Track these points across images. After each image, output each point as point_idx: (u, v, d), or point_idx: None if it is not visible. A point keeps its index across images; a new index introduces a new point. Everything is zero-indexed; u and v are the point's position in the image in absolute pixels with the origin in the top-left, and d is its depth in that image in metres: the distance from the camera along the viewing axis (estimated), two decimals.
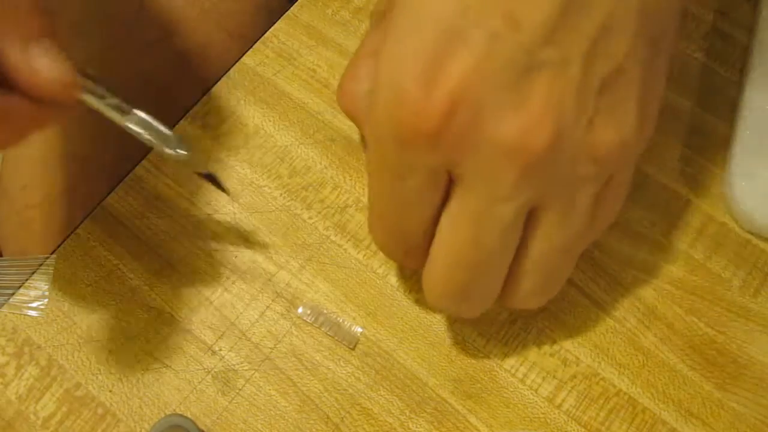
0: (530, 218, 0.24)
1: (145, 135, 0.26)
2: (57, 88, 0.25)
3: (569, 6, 0.21)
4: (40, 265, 0.32)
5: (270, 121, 0.35)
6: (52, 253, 0.33)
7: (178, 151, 0.27)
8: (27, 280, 0.32)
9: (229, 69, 0.36)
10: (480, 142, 0.22)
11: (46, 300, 0.32)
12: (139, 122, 0.26)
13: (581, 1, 0.21)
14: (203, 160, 0.28)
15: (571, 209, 0.24)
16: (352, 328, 0.31)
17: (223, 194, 0.33)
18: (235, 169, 0.34)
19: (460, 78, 0.21)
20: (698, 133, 0.35)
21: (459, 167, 0.23)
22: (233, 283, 0.32)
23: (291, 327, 0.31)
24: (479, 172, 0.23)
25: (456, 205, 0.24)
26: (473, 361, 0.31)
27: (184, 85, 0.38)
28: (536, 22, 0.21)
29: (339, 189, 0.34)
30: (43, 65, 0.24)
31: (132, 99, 0.38)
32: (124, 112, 0.26)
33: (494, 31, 0.21)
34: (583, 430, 0.30)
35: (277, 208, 0.33)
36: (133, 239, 0.33)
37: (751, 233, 0.33)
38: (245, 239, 0.33)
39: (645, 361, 0.31)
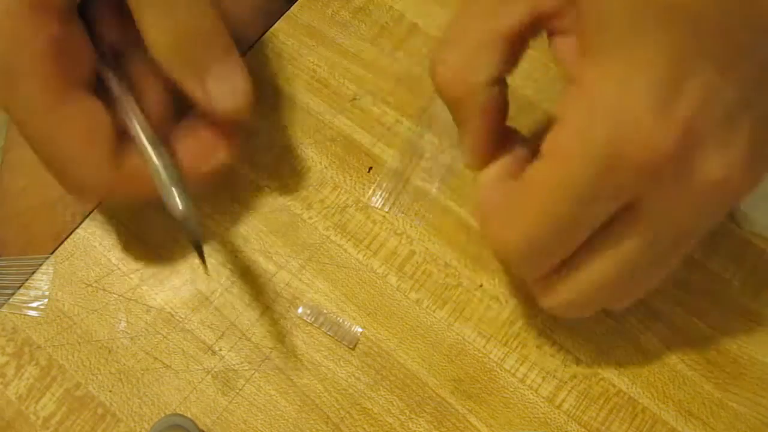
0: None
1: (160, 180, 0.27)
2: (231, 108, 0.27)
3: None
4: (40, 265, 0.32)
5: (270, 121, 0.35)
6: (52, 253, 0.33)
7: (178, 209, 0.27)
8: (27, 280, 0.32)
9: None
10: (685, 177, 0.22)
11: (46, 300, 0.32)
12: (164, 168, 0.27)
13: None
14: (198, 231, 0.28)
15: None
16: (352, 328, 0.31)
17: (223, 194, 0.33)
18: (235, 169, 0.34)
19: (693, 111, 0.21)
20: None
21: (650, 197, 0.23)
22: (233, 283, 0.32)
23: (291, 327, 0.31)
24: (669, 205, 0.23)
25: (628, 229, 0.24)
26: (473, 361, 0.31)
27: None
28: (752, 64, 0.21)
29: (339, 189, 0.34)
30: (219, 93, 0.27)
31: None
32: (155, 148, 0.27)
33: (722, 64, 0.21)
34: (583, 430, 0.30)
35: (277, 208, 0.33)
36: (133, 239, 0.33)
37: (751, 233, 0.33)
38: (245, 239, 0.33)
39: (645, 361, 0.31)
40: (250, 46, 0.36)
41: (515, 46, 0.26)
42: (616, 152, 0.22)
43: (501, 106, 0.28)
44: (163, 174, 0.27)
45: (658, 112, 0.21)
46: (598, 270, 0.25)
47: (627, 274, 0.25)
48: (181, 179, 0.27)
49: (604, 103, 0.22)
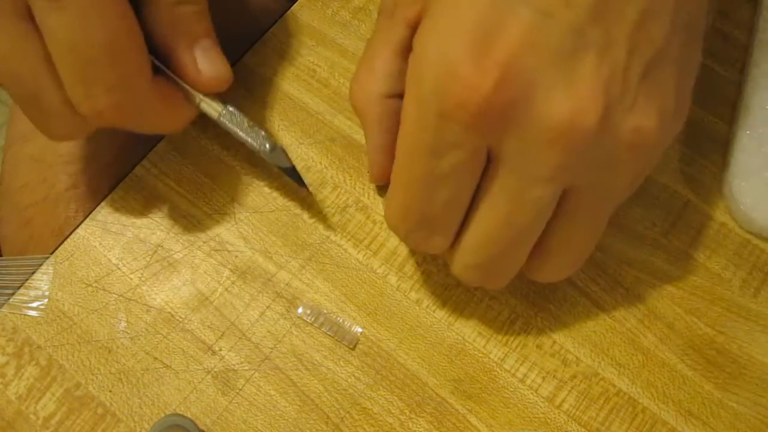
0: (563, 198, 0.24)
1: (239, 133, 0.31)
2: (215, 84, 0.30)
3: None
4: (40, 265, 0.32)
5: (270, 120, 0.35)
6: (52, 253, 0.33)
7: (265, 147, 0.30)
8: (27, 280, 0.32)
9: None
10: (527, 120, 0.22)
11: (46, 300, 0.32)
12: (232, 119, 0.30)
13: None
14: (285, 156, 0.31)
15: (604, 192, 0.24)
16: (352, 328, 0.31)
17: (223, 194, 0.33)
18: (235, 169, 0.34)
19: (512, 52, 0.21)
20: (698, 133, 0.35)
21: (501, 145, 0.23)
22: (233, 283, 0.32)
23: (291, 327, 0.31)
24: (523, 152, 0.23)
25: (494, 184, 0.24)
26: (473, 361, 0.31)
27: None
28: (584, 1, 0.21)
29: (339, 189, 0.34)
30: (205, 65, 0.29)
31: None
32: (218, 108, 0.31)
33: (544, 8, 0.21)
34: (583, 430, 0.30)
35: (277, 208, 0.33)
36: (133, 239, 0.33)
37: (751, 233, 0.33)
38: (245, 239, 0.33)
39: (645, 361, 0.31)
40: (250, 46, 0.36)
41: (405, 58, 0.28)
42: (443, 101, 0.22)
43: (394, 118, 0.29)
44: (245, 120, 0.30)
45: (475, 55, 0.21)
46: (482, 228, 0.25)
47: (513, 229, 0.25)
48: (252, 121, 0.31)
49: (427, 57, 0.23)
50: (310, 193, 0.33)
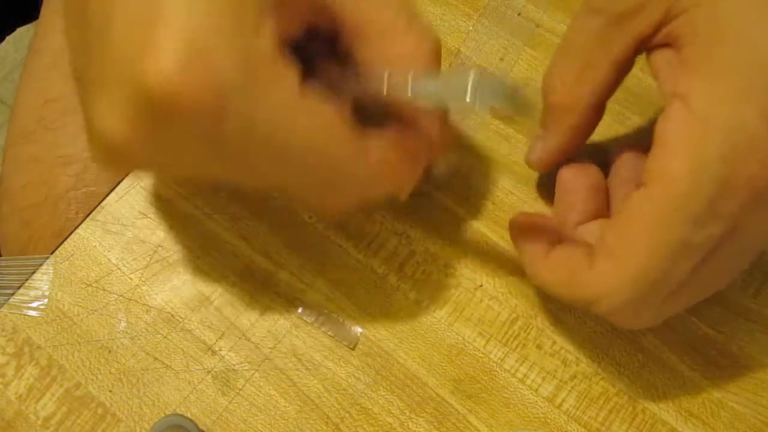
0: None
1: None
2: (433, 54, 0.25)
3: None
4: (40, 265, 0.32)
5: None
6: (52, 253, 0.33)
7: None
8: (27, 280, 0.32)
9: None
10: None
11: (46, 300, 0.32)
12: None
13: None
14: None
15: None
16: (352, 328, 0.31)
17: (223, 194, 0.33)
18: None
19: None
20: None
21: (753, 221, 0.22)
22: (233, 283, 0.32)
23: (291, 327, 0.31)
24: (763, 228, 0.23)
25: (724, 248, 0.23)
26: (473, 361, 0.31)
27: None
28: None
29: None
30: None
31: None
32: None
33: None
34: (583, 430, 0.30)
35: (277, 208, 0.33)
36: (133, 239, 0.33)
37: None
38: (245, 239, 0.33)
39: (645, 361, 0.31)
40: None
41: (621, 71, 0.27)
42: (731, 171, 0.21)
43: (592, 124, 0.28)
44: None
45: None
46: (693, 288, 0.25)
47: (712, 285, 0.25)
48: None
49: (717, 120, 0.21)
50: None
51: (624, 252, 0.24)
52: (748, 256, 0.25)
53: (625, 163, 0.29)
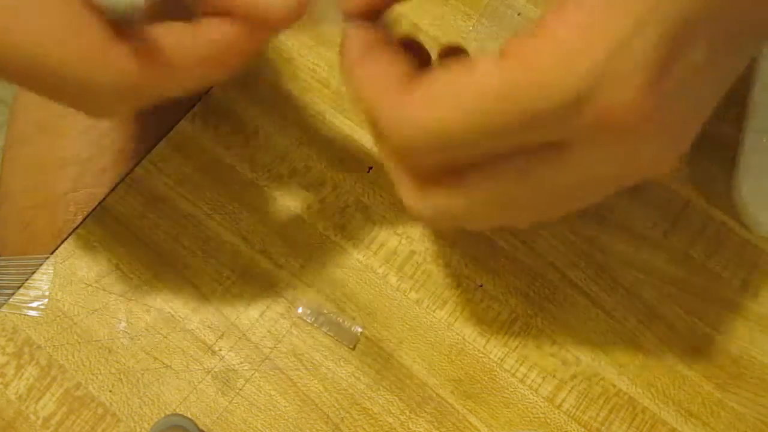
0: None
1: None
2: (284, 15, 0.24)
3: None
4: (40, 265, 0.32)
5: (270, 121, 0.35)
6: (52, 253, 0.33)
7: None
8: (27, 280, 0.32)
9: None
10: (628, 149, 0.21)
11: (46, 300, 0.32)
12: None
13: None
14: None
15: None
16: (352, 328, 0.31)
17: (223, 194, 0.33)
18: (235, 169, 0.34)
19: (671, 94, 0.20)
20: (699, 133, 0.35)
21: (587, 146, 0.21)
22: (233, 283, 0.32)
23: (291, 327, 0.31)
24: (599, 161, 0.21)
25: (547, 164, 0.22)
26: (473, 361, 0.31)
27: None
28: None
29: (339, 189, 0.34)
30: None
31: None
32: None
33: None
34: (583, 430, 0.30)
35: (277, 208, 0.33)
36: (133, 239, 0.33)
37: (760, 236, 0.33)
38: (245, 239, 0.33)
39: (645, 361, 0.31)
40: None
41: None
42: (590, 92, 0.19)
43: None
44: None
45: (653, 71, 0.19)
46: (498, 189, 0.22)
47: (526, 202, 0.23)
48: None
49: (606, 35, 0.19)
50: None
51: (446, 102, 0.21)
52: (570, 195, 0.23)
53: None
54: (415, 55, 0.26)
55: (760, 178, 0.32)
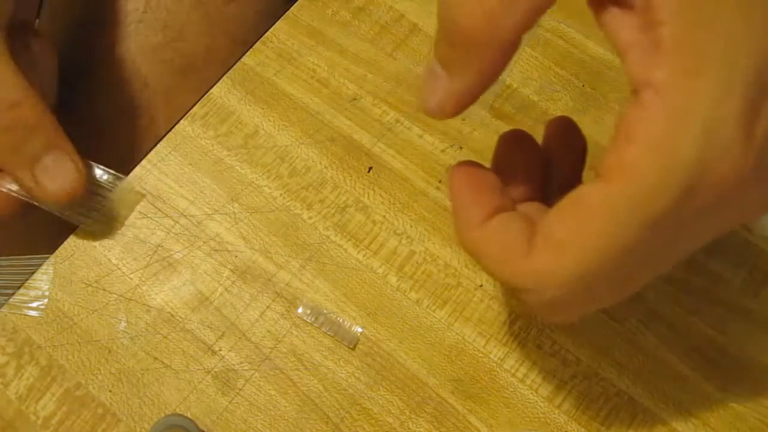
0: None
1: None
2: (62, 196, 0.29)
3: None
4: (40, 265, 0.32)
5: (270, 121, 0.35)
6: (52, 253, 0.33)
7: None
8: (27, 280, 0.32)
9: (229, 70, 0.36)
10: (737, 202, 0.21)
11: (46, 300, 0.32)
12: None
13: None
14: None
15: None
16: (352, 328, 0.31)
17: (223, 194, 0.33)
18: (235, 169, 0.34)
19: (764, 135, 0.20)
20: None
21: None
22: (233, 283, 0.32)
23: (291, 327, 0.31)
24: (714, 222, 0.22)
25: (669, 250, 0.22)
26: (473, 361, 0.31)
27: (186, 89, 0.38)
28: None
29: (339, 189, 0.34)
30: (49, 182, 0.29)
31: (134, 100, 0.38)
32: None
33: None
34: (583, 430, 0.30)
35: (277, 208, 0.33)
36: (133, 239, 0.33)
37: (762, 237, 0.33)
38: (245, 239, 0.33)
39: (645, 361, 0.31)
40: (250, 46, 0.36)
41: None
42: (702, 174, 0.19)
43: (506, 63, 0.23)
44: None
45: (746, 128, 0.19)
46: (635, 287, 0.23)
47: (645, 274, 0.23)
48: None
49: (694, 118, 0.19)
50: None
51: (570, 247, 0.21)
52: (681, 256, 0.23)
53: (563, 139, 0.27)
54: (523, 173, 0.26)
55: None
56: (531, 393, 0.30)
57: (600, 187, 0.21)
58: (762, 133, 0.19)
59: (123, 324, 0.31)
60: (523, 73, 0.35)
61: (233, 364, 0.31)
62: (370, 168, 0.34)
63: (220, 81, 0.36)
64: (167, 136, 0.35)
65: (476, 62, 0.23)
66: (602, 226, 0.20)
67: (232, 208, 0.33)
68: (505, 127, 0.34)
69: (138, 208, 0.33)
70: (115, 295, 0.32)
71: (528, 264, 0.22)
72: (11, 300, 0.32)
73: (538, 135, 0.32)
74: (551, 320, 0.26)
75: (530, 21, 0.22)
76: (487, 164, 0.34)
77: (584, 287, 0.22)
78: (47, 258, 0.32)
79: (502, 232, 0.24)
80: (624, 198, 0.20)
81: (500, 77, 0.25)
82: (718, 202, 0.20)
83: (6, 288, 0.32)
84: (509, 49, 0.23)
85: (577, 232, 0.21)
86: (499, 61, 0.23)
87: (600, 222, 0.21)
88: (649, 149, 0.20)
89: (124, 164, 0.35)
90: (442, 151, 0.34)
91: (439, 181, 0.34)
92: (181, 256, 0.33)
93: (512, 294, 0.26)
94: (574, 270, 0.21)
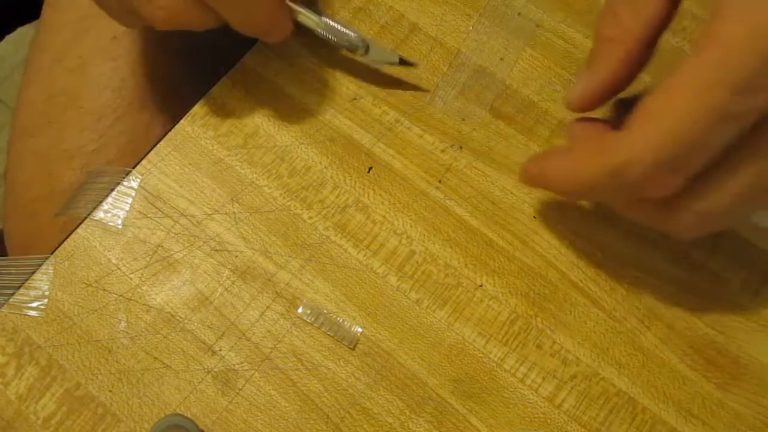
0: None
1: (333, 40, 0.33)
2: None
3: None
4: (40, 265, 0.32)
5: (270, 121, 0.35)
6: (52, 253, 0.33)
7: (359, 52, 0.33)
8: (27, 280, 0.32)
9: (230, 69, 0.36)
10: None
11: (46, 300, 0.32)
12: (327, 28, 0.32)
13: None
14: (386, 52, 0.34)
15: None
16: (352, 328, 0.31)
17: (223, 194, 0.33)
18: (235, 169, 0.34)
19: None
20: None
21: None
22: (233, 283, 0.32)
23: (291, 327, 0.31)
24: None
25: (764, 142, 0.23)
26: (473, 361, 0.31)
27: (188, 87, 0.38)
28: None
29: (339, 189, 0.34)
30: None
31: (136, 96, 0.38)
32: (316, 19, 0.32)
33: None
34: (583, 430, 0.30)
35: (277, 208, 0.33)
36: (133, 239, 0.33)
37: (753, 229, 0.33)
38: (245, 239, 0.33)
39: (645, 361, 0.31)
40: (250, 46, 0.36)
41: (675, 2, 0.26)
42: None
43: (642, 62, 0.27)
44: (340, 26, 0.33)
45: None
46: (736, 181, 0.24)
47: (753, 188, 0.24)
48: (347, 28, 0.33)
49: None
50: (417, 65, 0.35)
51: (661, 112, 0.23)
52: None
53: None
54: None
55: None
56: (531, 393, 0.30)
57: (691, 60, 0.22)
58: None
59: (123, 324, 0.31)
60: (523, 73, 0.35)
61: (233, 364, 0.31)
62: (370, 168, 0.34)
63: (221, 81, 0.36)
64: (167, 136, 0.35)
65: (612, 57, 0.27)
66: (692, 92, 0.22)
67: (232, 208, 0.33)
68: (505, 127, 0.34)
69: (138, 207, 0.33)
70: (115, 295, 0.32)
71: (622, 139, 0.24)
72: (11, 300, 0.32)
73: (539, 135, 0.32)
74: (676, 227, 0.26)
75: (658, 23, 0.26)
76: (487, 164, 0.34)
77: (678, 152, 0.23)
78: (47, 258, 0.32)
79: (597, 126, 0.28)
80: (713, 62, 0.22)
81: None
82: None
83: (6, 288, 0.32)
84: (641, 47, 0.26)
85: (669, 99, 0.22)
86: (632, 57, 0.26)
87: (690, 87, 0.22)
88: (734, 17, 0.21)
89: (129, 155, 0.35)
90: (442, 151, 0.34)
91: (439, 181, 0.34)
92: (181, 256, 0.33)
93: (614, 187, 0.26)
94: (666, 133, 0.23)
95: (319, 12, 0.32)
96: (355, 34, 0.33)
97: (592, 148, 0.26)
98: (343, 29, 0.33)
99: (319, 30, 0.32)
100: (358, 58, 0.34)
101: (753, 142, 0.23)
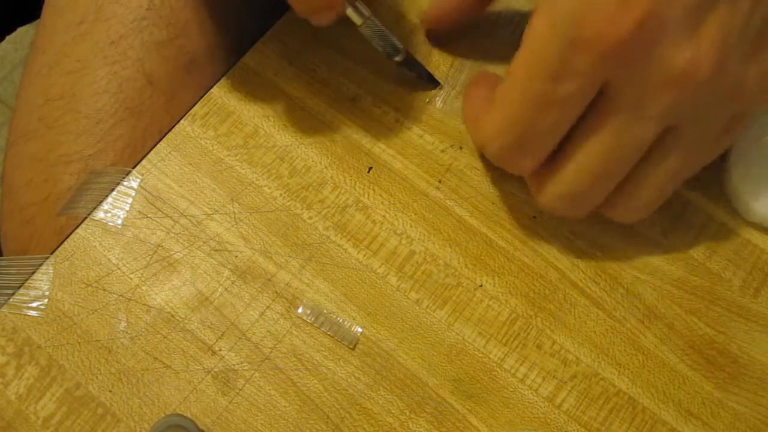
0: (659, 137, 0.26)
1: (375, 39, 0.33)
2: None
3: None
4: (40, 265, 0.32)
5: (270, 121, 0.35)
6: (52, 253, 0.33)
7: (396, 59, 0.34)
8: (27, 280, 0.32)
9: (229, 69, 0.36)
10: (649, 63, 0.23)
11: (46, 300, 0.32)
12: (373, 27, 0.32)
13: None
14: (418, 65, 0.35)
15: (701, 136, 0.26)
16: (352, 328, 0.31)
17: (223, 194, 0.33)
18: (235, 169, 0.34)
19: (653, 3, 0.22)
20: None
21: (617, 82, 0.24)
22: (233, 283, 0.32)
23: (291, 327, 0.31)
24: (636, 91, 0.24)
25: (600, 118, 0.25)
26: (473, 361, 0.31)
27: (189, 87, 0.38)
28: None
29: (339, 189, 0.34)
30: None
31: (134, 101, 0.38)
32: (367, 14, 0.32)
33: None
34: (583, 430, 0.30)
35: (277, 208, 0.33)
36: (133, 239, 0.33)
37: (752, 223, 0.33)
38: (245, 239, 0.33)
39: (645, 361, 0.31)
40: (250, 46, 0.36)
41: None
42: (579, 32, 0.23)
43: None
44: (383, 30, 0.33)
45: None
46: (581, 159, 0.26)
47: (611, 163, 0.26)
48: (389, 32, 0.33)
49: None
50: (442, 85, 0.36)
51: (503, 101, 0.27)
52: (641, 145, 0.26)
53: None
54: None
55: (750, 166, 0.32)
56: (531, 393, 0.30)
57: (517, 54, 0.26)
58: (641, 2, 0.22)
59: (123, 324, 0.31)
60: None
61: (233, 364, 0.31)
62: (370, 168, 0.34)
63: (220, 81, 0.36)
64: (167, 136, 0.35)
65: None
66: (519, 82, 0.26)
67: (232, 208, 0.33)
68: None
69: (138, 207, 0.33)
70: (115, 295, 0.32)
71: (484, 121, 0.28)
72: (11, 300, 0.32)
73: None
74: (557, 208, 0.29)
75: None
76: (487, 164, 0.34)
77: (520, 133, 0.27)
78: (47, 258, 0.32)
79: (480, 98, 0.30)
80: (527, 56, 0.25)
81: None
82: (605, 56, 0.23)
83: (6, 288, 0.32)
84: None
85: (506, 89, 0.27)
86: None
87: (518, 78, 0.26)
88: (541, 14, 0.25)
89: (128, 159, 0.35)
90: (442, 151, 0.34)
91: (439, 181, 0.34)
92: (181, 256, 0.33)
93: (485, 153, 0.30)
94: (507, 119, 0.27)
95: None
96: (398, 42, 0.33)
97: (471, 117, 0.30)
98: (388, 33, 0.33)
99: (365, 27, 0.32)
100: (389, 63, 0.34)
101: (590, 123, 0.26)
